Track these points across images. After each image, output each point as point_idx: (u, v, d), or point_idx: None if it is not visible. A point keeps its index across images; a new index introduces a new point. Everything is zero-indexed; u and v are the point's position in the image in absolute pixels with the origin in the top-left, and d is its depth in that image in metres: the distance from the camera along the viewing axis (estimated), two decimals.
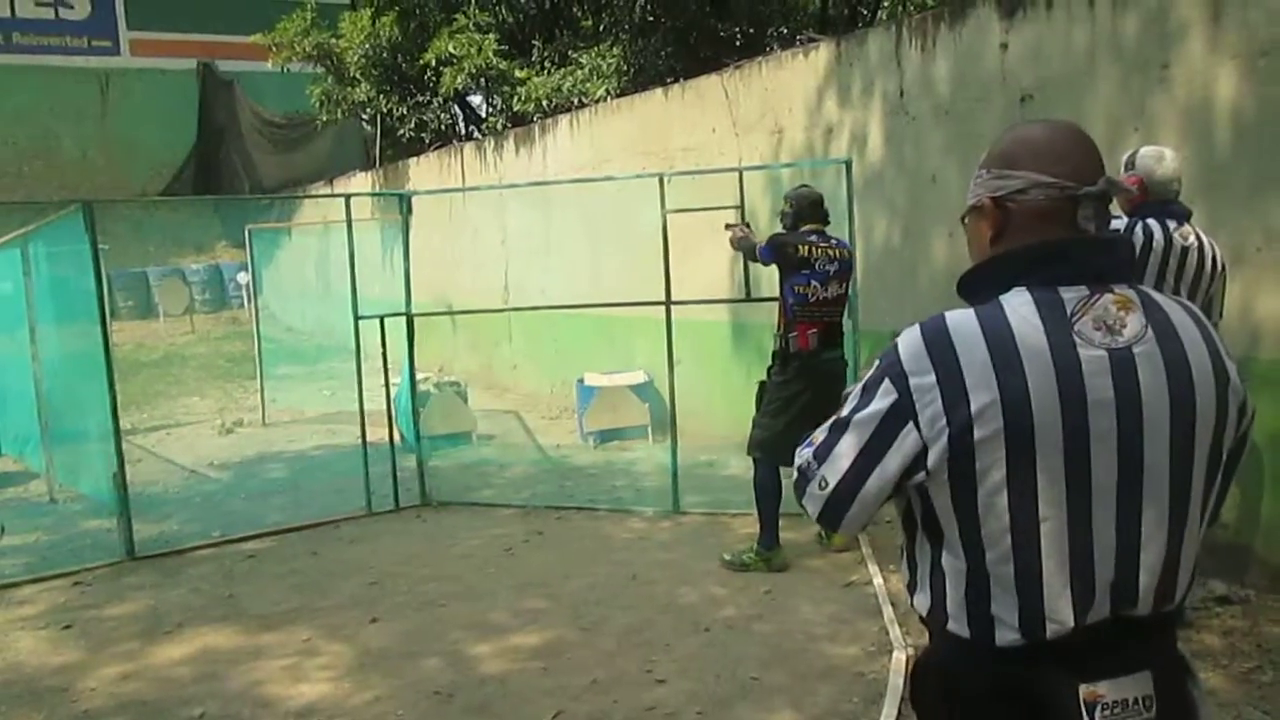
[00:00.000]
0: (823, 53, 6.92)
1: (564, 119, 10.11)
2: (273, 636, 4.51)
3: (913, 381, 1.38)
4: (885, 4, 13.34)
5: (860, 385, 1.47)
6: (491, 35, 12.25)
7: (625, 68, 11.01)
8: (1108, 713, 1.36)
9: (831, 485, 1.46)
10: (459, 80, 12.26)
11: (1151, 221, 3.68)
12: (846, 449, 1.44)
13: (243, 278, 13.58)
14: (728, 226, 5.51)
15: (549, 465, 7.88)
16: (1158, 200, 3.73)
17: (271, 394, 10.47)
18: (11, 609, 5.06)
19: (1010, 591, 1.38)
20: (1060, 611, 1.37)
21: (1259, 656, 3.81)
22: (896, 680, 3.69)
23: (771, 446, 5.01)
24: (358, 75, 13.98)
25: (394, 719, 3.72)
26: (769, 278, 5.40)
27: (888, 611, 4.38)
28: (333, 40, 14.39)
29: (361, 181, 14.96)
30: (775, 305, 5.21)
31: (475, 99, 14.66)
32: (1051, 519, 1.36)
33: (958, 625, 1.43)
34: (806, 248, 5.02)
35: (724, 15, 11.90)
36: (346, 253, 6.63)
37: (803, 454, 1.52)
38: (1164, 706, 1.39)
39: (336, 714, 3.77)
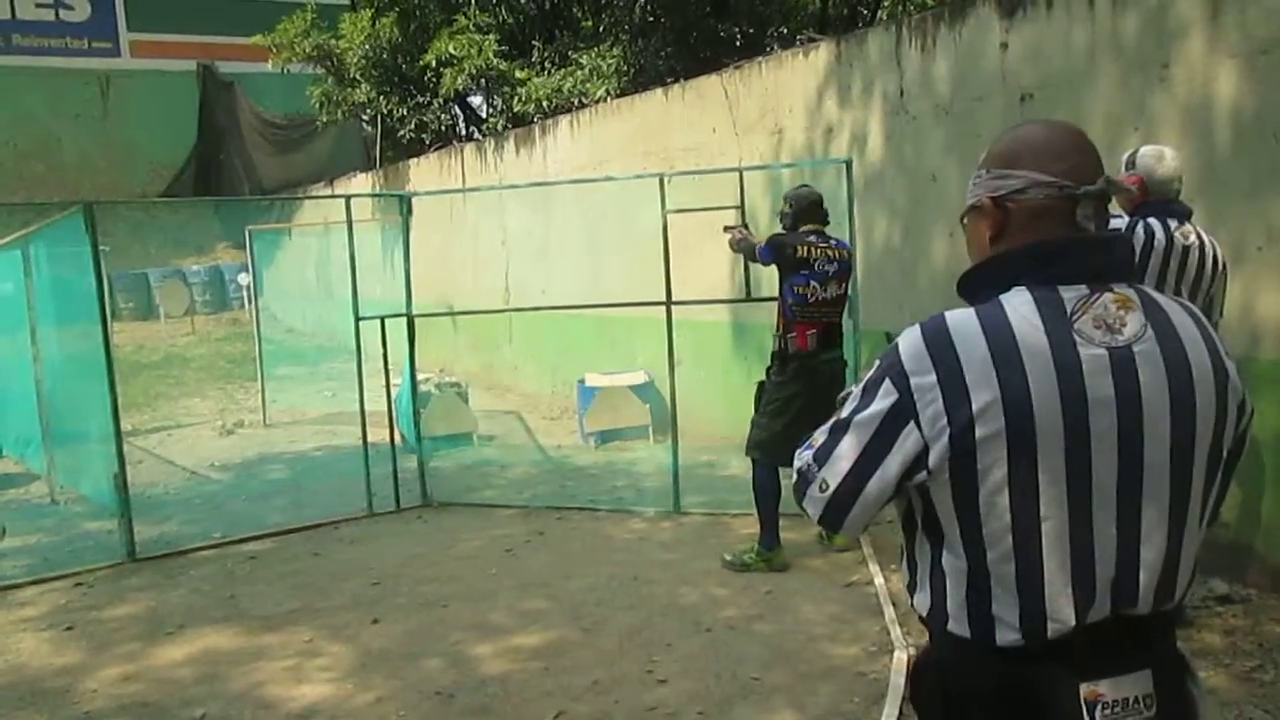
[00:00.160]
0: (823, 53, 6.92)
1: (564, 119, 10.12)
2: (274, 637, 4.51)
3: (913, 381, 1.38)
4: (885, 4, 13.35)
5: (860, 386, 1.47)
6: (491, 36, 12.26)
7: (625, 68, 11.02)
8: (1108, 711, 1.36)
9: (832, 487, 1.46)
10: (459, 81, 12.27)
11: (1152, 221, 3.68)
12: (847, 450, 1.44)
13: (243, 279, 13.60)
14: (726, 229, 5.51)
15: (550, 466, 7.88)
16: (1158, 199, 3.73)
17: (272, 395, 10.47)
18: (13, 610, 5.06)
19: (1011, 591, 1.38)
20: (1061, 611, 1.37)
21: (1260, 655, 3.81)
22: (898, 680, 3.69)
23: (770, 447, 5.00)
24: (358, 76, 13.98)
25: None
26: (769, 278, 5.40)
27: (889, 611, 4.38)
28: (333, 41, 14.40)
29: (362, 182, 14.97)
30: (775, 305, 5.20)
31: (475, 100, 14.67)
32: (1053, 518, 1.36)
33: (958, 625, 1.43)
34: (806, 248, 5.02)
35: (724, 15, 11.91)
36: (347, 254, 6.64)
37: (802, 456, 1.52)
38: (1164, 705, 1.40)
39: (338, 715, 3.77)
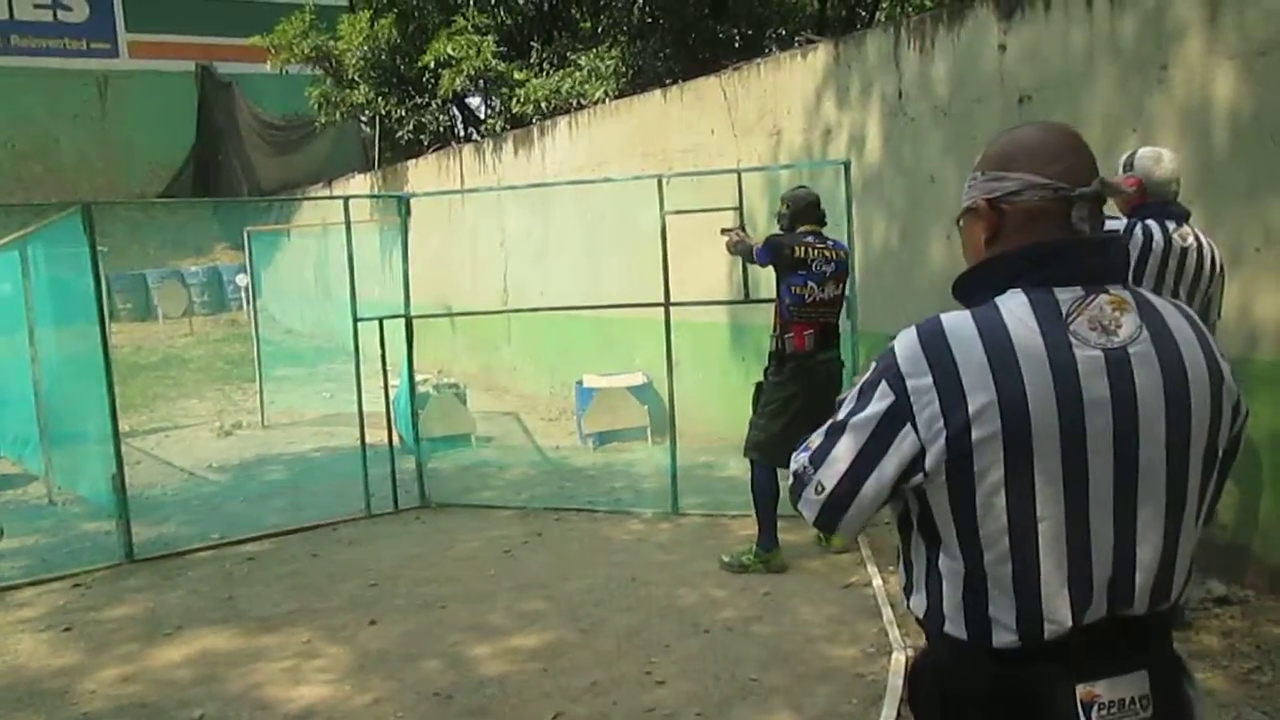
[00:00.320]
0: (821, 54, 6.92)
1: (563, 120, 10.12)
2: (272, 638, 4.51)
3: (910, 384, 1.39)
4: (883, 5, 13.36)
5: (856, 388, 1.47)
6: (490, 37, 12.26)
7: (624, 69, 11.03)
8: (1104, 712, 1.37)
9: (828, 490, 1.46)
10: (457, 82, 12.27)
11: (1151, 222, 3.68)
12: (843, 452, 1.44)
13: (241, 280, 13.59)
14: (724, 231, 5.51)
15: (548, 467, 7.88)
16: (1157, 201, 3.74)
17: (270, 396, 10.46)
18: (11, 611, 5.06)
19: (1008, 592, 1.38)
20: (1058, 611, 1.37)
21: (1258, 657, 3.82)
22: (896, 681, 3.69)
23: (768, 448, 5.01)
24: (356, 77, 13.98)
25: None
26: (768, 279, 5.40)
27: (887, 613, 4.38)
28: (331, 42, 14.40)
29: (360, 183, 14.96)
30: (773, 306, 5.21)
31: (474, 101, 14.67)
32: (1049, 519, 1.36)
33: (955, 627, 1.43)
34: (803, 249, 5.02)
35: (722, 17, 11.92)
36: (345, 255, 6.63)
37: (799, 459, 1.52)
38: (1160, 706, 1.40)
39: (336, 716, 3.77)
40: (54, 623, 4.85)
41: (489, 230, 11.13)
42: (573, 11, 13.13)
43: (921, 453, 1.38)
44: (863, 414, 1.43)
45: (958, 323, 1.40)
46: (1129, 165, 3.80)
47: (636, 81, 10.74)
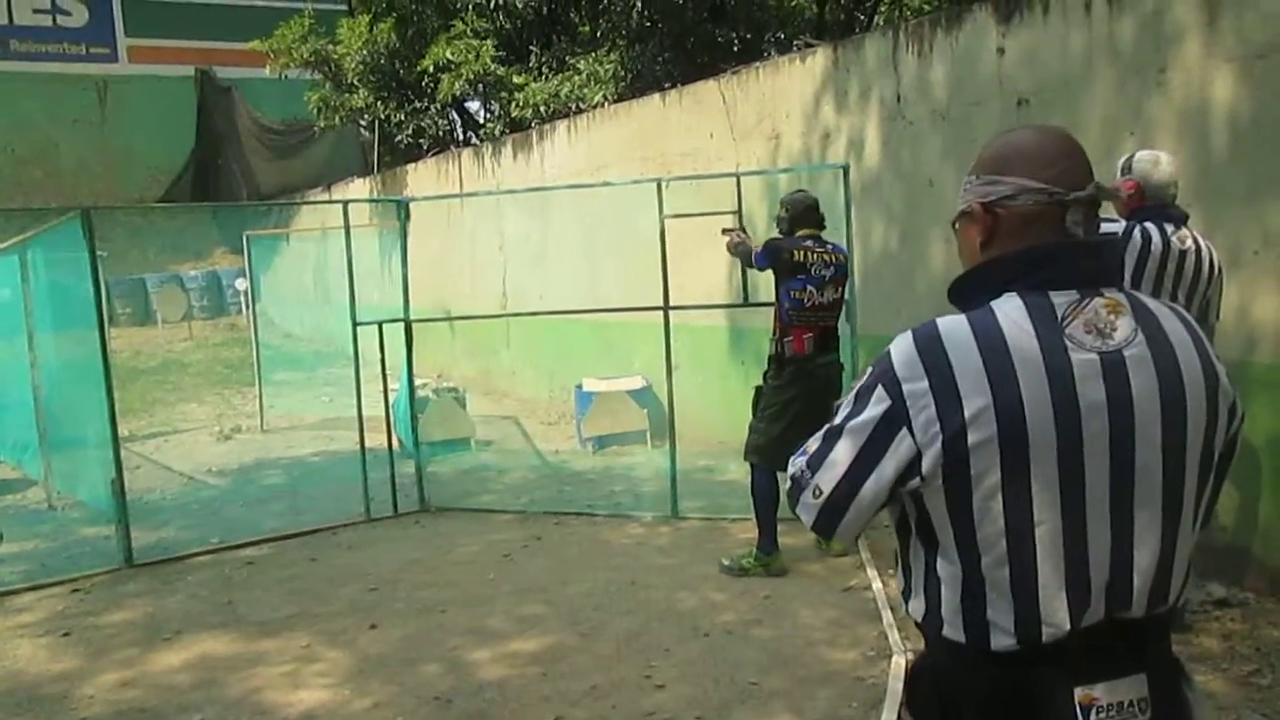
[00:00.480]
0: (820, 58, 6.93)
1: (562, 125, 10.13)
2: (271, 643, 4.51)
3: (906, 388, 1.39)
4: (882, 9, 13.38)
5: (853, 393, 1.47)
6: (489, 41, 12.26)
7: (623, 73, 11.04)
8: (1103, 715, 1.37)
9: (826, 493, 1.46)
10: (457, 86, 12.27)
11: (1149, 225, 3.68)
12: (841, 456, 1.45)
13: (241, 284, 13.59)
14: (724, 232, 5.52)
15: (547, 471, 7.87)
16: (1155, 204, 3.74)
17: (270, 400, 10.46)
18: (10, 616, 5.05)
19: (1006, 596, 1.38)
20: (1056, 615, 1.37)
21: (1258, 659, 3.82)
22: (896, 685, 3.68)
23: (768, 452, 5.01)
24: (355, 82, 13.99)
25: None
26: (767, 282, 5.40)
27: (887, 616, 4.38)
28: (330, 47, 14.40)
29: (359, 188, 14.97)
30: (772, 310, 5.21)
31: (473, 105, 14.70)
32: (1046, 522, 1.36)
33: (953, 631, 1.43)
34: (802, 252, 5.02)
35: (721, 21, 11.93)
36: (345, 259, 6.64)
37: (796, 463, 1.52)
38: (1159, 709, 1.40)
39: None
40: (53, 628, 4.84)
41: (488, 234, 11.13)
42: (571, 16, 13.14)
43: (918, 456, 1.38)
44: (859, 418, 1.43)
45: (953, 327, 1.40)
46: (1127, 168, 3.80)
47: (635, 85, 10.75)
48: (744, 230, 5.70)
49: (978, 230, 1.49)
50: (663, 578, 5.11)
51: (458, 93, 12.61)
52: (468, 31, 12.33)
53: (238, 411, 11.14)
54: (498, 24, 12.79)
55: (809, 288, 5.02)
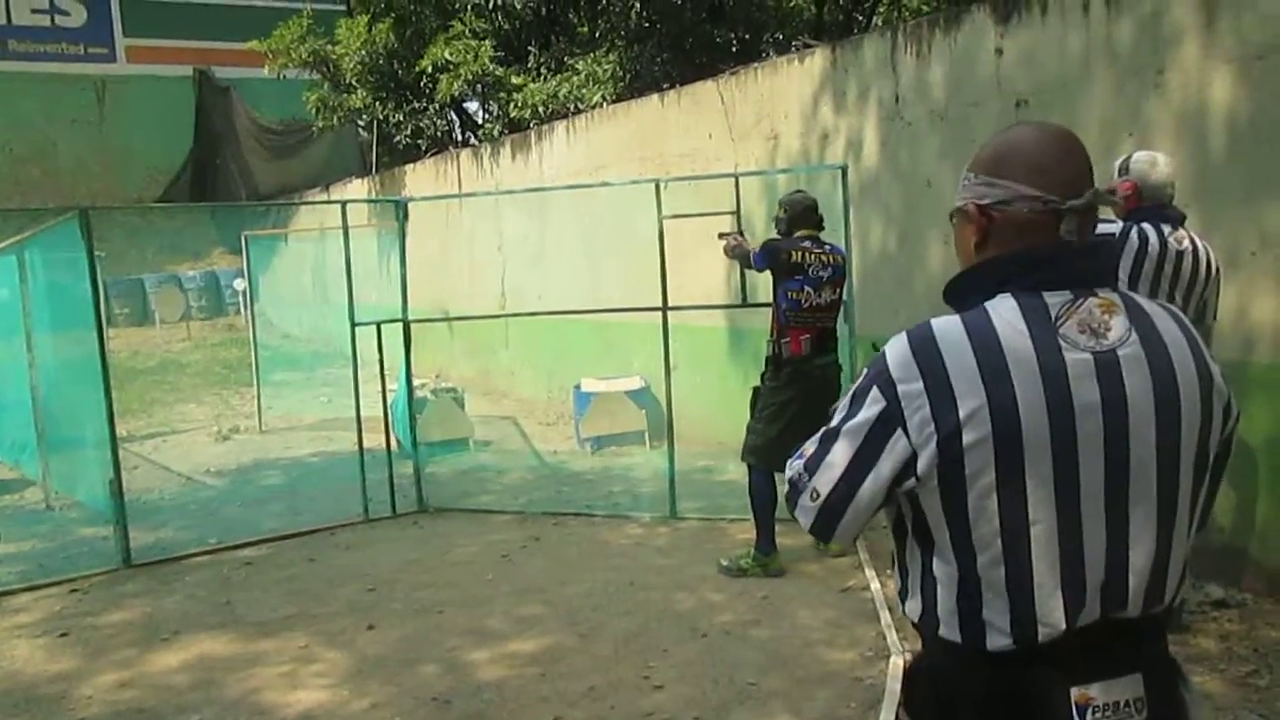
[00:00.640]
0: (818, 59, 6.94)
1: (560, 125, 10.13)
2: (269, 643, 4.51)
3: (900, 389, 1.39)
4: (880, 10, 13.38)
5: (849, 395, 1.47)
6: (488, 42, 12.26)
7: (621, 74, 11.03)
8: (1099, 715, 1.37)
9: (823, 496, 1.47)
10: (455, 87, 12.27)
11: (1146, 226, 3.69)
12: (837, 459, 1.45)
13: (239, 284, 13.59)
14: (721, 235, 5.51)
15: (546, 471, 7.87)
16: (1152, 205, 3.75)
17: (268, 401, 10.46)
18: (8, 617, 5.05)
19: (1002, 595, 1.38)
20: (1052, 614, 1.37)
21: (1256, 660, 3.82)
22: (894, 685, 3.69)
23: (765, 452, 5.01)
24: (354, 82, 13.99)
25: None
26: (766, 283, 5.41)
27: (885, 616, 4.38)
28: (329, 47, 14.40)
29: (358, 188, 14.97)
30: (770, 310, 5.21)
31: (472, 105, 14.69)
32: (1041, 522, 1.36)
33: (949, 631, 1.43)
34: (800, 253, 5.02)
35: (720, 22, 11.93)
36: (343, 259, 6.64)
37: (793, 466, 1.53)
38: (1155, 709, 1.40)
39: None
40: (51, 628, 4.84)
41: (487, 235, 11.13)
42: (570, 16, 13.13)
43: (913, 457, 1.39)
44: (855, 420, 1.43)
45: (947, 327, 1.41)
46: (1124, 169, 3.81)
47: (634, 86, 10.75)
48: (740, 233, 5.70)
49: (973, 231, 1.49)
50: (661, 578, 5.11)
51: (456, 93, 12.60)
52: (466, 32, 12.32)
53: (236, 412, 11.14)
54: (496, 24, 12.79)
55: (807, 288, 5.02)
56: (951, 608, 1.42)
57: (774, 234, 5.27)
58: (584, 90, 11.03)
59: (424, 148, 13.97)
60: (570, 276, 9.28)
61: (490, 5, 12.53)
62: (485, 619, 4.68)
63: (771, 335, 5.14)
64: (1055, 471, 1.36)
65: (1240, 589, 4.39)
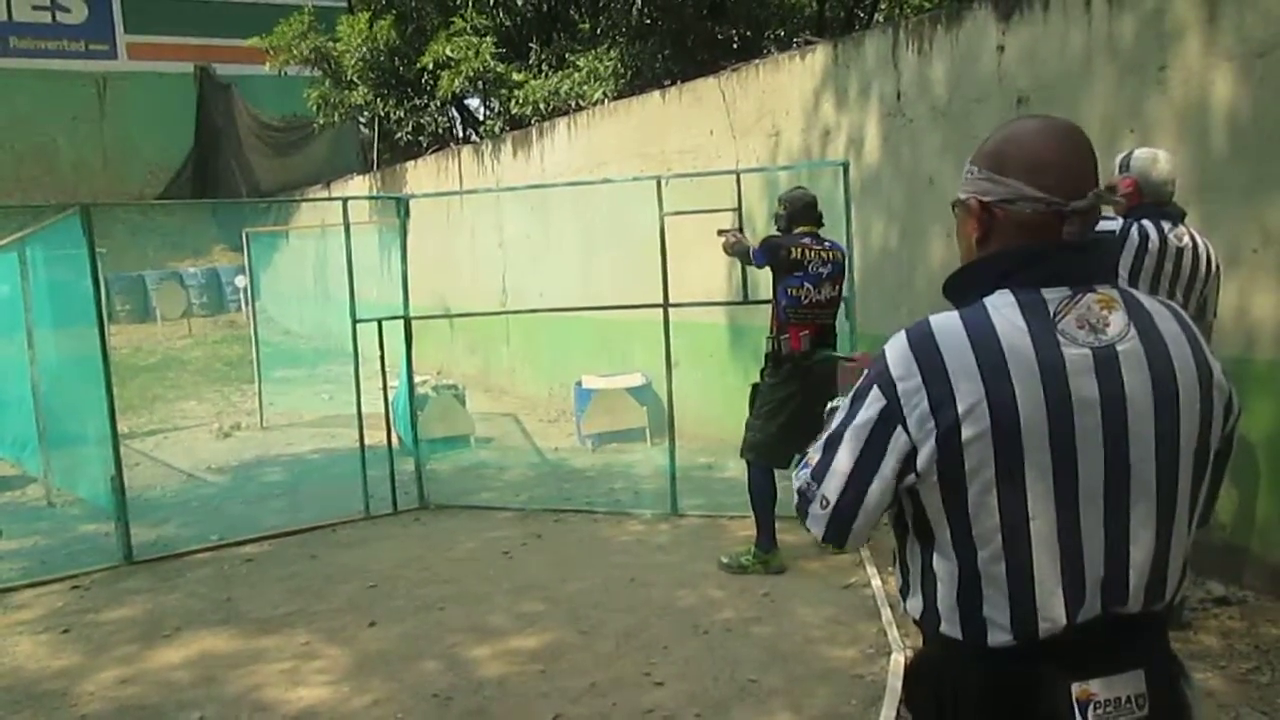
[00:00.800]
0: (820, 55, 6.93)
1: (561, 122, 10.12)
2: (271, 640, 4.51)
3: (900, 386, 1.40)
4: (882, 6, 13.36)
5: (850, 395, 1.47)
6: (489, 38, 12.25)
7: (623, 70, 11.02)
8: (1100, 711, 1.37)
9: (833, 502, 1.47)
10: (456, 83, 12.26)
11: (1146, 223, 3.69)
12: (843, 463, 1.45)
13: (240, 281, 13.58)
14: (720, 232, 5.51)
15: (547, 468, 7.88)
16: (1153, 201, 3.75)
17: (269, 397, 10.47)
18: (9, 613, 5.06)
19: (1002, 591, 1.38)
20: (1052, 609, 1.37)
21: (1257, 657, 3.82)
22: (895, 682, 3.69)
23: (765, 449, 5.01)
24: (355, 78, 13.98)
25: None
26: (767, 280, 5.40)
27: (886, 613, 4.38)
28: (330, 44, 14.38)
29: (359, 185, 14.96)
30: (770, 307, 5.21)
31: (473, 102, 14.67)
32: (1041, 517, 1.37)
33: (950, 627, 1.43)
34: (799, 250, 5.02)
35: (721, 18, 11.91)
36: (344, 256, 6.63)
37: (800, 476, 1.53)
38: (1157, 705, 1.40)
39: (335, 717, 3.77)
40: (52, 624, 4.85)
41: (488, 231, 11.13)
42: (571, 13, 13.12)
43: (913, 452, 1.39)
44: (856, 421, 1.44)
45: (945, 323, 1.41)
46: (1125, 166, 3.80)
47: (635, 83, 10.74)
48: (741, 229, 5.69)
49: (975, 226, 1.49)
50: (662, 575, 5.11)
51: (457, 90, 12.59)
52: (467, 28, 12.32)
53: (237, 409, 11.14)
54: (497, 21, 12.78)
55: (806, 285, 5.02)
56: (952, 604, 1.42)
57: (775, 231, 5.27)
58: (585, 87, 11.02)
59: (425, 144, 13.97)
60: (571, 273, 9.28)
61: (491, 2, 12.53)
62: (486, 616, 4.69)
63: (771, 332, 5.14)
64: (1054, 466, 1.36)
65: (1241, 586, 4.39)
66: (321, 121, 15.16)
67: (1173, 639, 1.52)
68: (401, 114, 13.87)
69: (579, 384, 8.58)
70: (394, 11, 13.31)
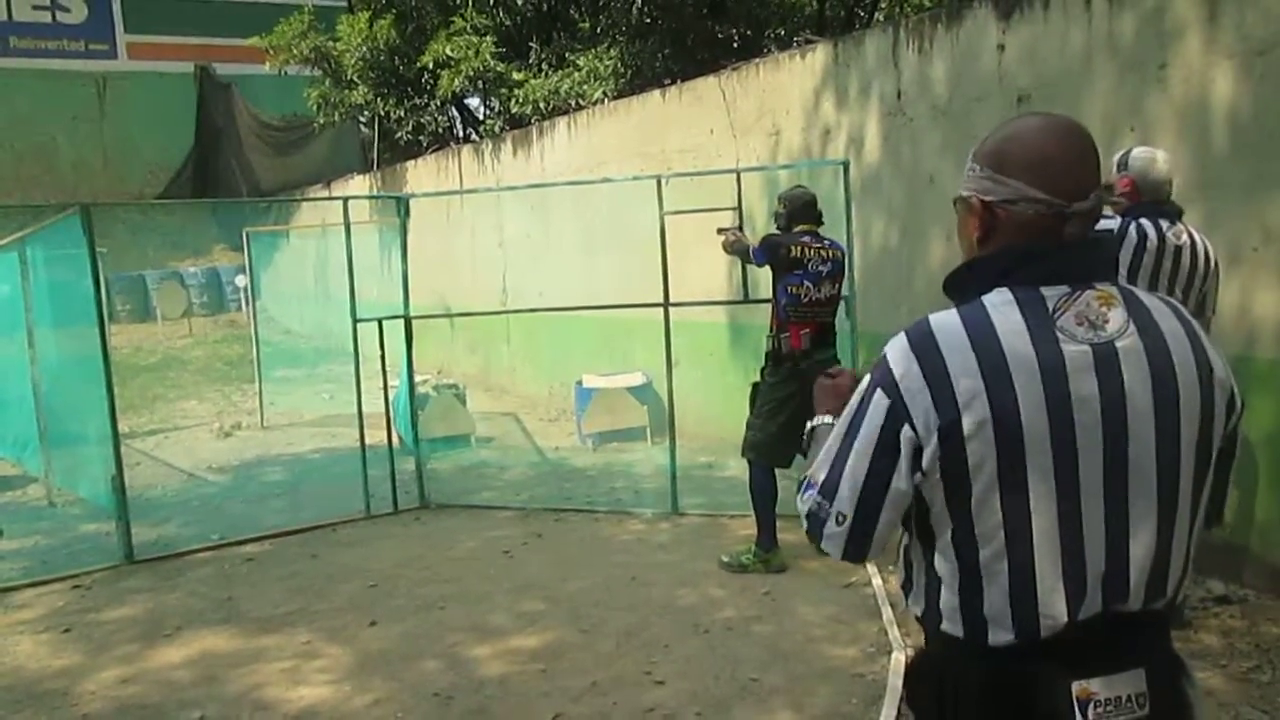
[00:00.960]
0: (820, 54, 6.93)
1: (561, 121, 10.12)
2: (272, 639, 4.51)
3: (903, 385, 1.40)
4: (882, 5, 13.36)
5: (855, 398, 1.47)
6: (489, 38, 12.25)
7: (623, 70, 11.02)
8: (1100, 710, 1.37)
9: (850, 517, 1.45)
10: (456, 83, 12.26)
11: (1145, 221, 3.69)
12: (856, 471, 1.43)
13: (240, 281, 13.59)
14: (719, 231, 5.51)
15: (548, 467, 7.88)
16: (1151, 200, 3.75)
17: (270, 397, 10.47)
18: (11, 613, 5.06)
19: (1004, 590, 1.38)
20: (1054, 607, 1.37)
21: (1258, 656, 3.82)
22: (896, 681, 3.69)
23: (766, 448, 5.01)
24: (355, 78, 13.97)
25: None
26: (767, 279, 5.40)
27: (887, 612, 4.38)
28: (330, 43, 14.37)
29: (359, 184, 14.96)
30: (770, 306, 5.21)
31: (473, 101, 14.67)
32: (1042, 514, 1.37)
33: (951, 625, 1.43)
34: (799, 248, 5.02)
35: (721, 17, 11.91)
36: (344, 255, 6.63)
37: (807, 497, 1.50)
38: (1157, 704, 1.40)
39: (336, 717, 3.77)
40: (53, 624, 4.85)
41: (488, 231, 11.13)
42: (571, 12, 13.11)
43: (919, 450, 1.39)
44: (864, 428, 1.43)
45: (945, 322, 1.41)
46: (1123, 164, 3.80)
47: (635, 82, 10.73)
48: (740, 228, 5.69)
49: (975, 223, 1.49)
50: (663, 574, 5.11)
51: (457, 89, 12.59)
52: (467, 28, 12.31)
53: (238, 408, 11.14)
54: (497, 20, 12.78)
55: (806, 283, 5.02)
56: (953, 603, 1.42)
57: (775, 229, 5.27)
58: (585, 86, 11.02)
59: (425, 144, 13.96)
60: (571, 273, 9.27)
61: (491, 1, 12.52)
62: (487, 615, 4.69)
63: (771, 330, 5.14)
64: (1055, 463, 1.36)
65: (1242, 585, 4.39)
66: (321, 121, 15.15)
67: (1173, 638, 1.52)
68: (401, 113, 13.86)
69: (579, 383, 8.58)
70: (394, 11, 13.30)
